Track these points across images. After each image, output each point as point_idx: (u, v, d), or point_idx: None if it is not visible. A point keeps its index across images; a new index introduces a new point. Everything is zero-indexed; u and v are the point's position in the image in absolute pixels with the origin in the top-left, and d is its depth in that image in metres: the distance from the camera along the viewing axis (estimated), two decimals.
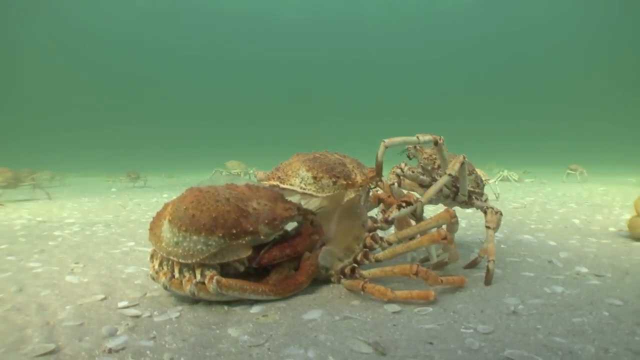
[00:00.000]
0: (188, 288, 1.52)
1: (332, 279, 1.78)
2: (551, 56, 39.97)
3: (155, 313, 1.50)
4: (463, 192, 2.11)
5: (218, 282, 1.49)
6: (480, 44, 42.11)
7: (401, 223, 2.07)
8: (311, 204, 1.82)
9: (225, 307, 1.53)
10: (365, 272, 1.72)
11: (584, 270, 1.98)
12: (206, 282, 1.50)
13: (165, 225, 1.58)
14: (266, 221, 1.60)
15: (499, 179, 8.92)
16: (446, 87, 43.90)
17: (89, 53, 40.09)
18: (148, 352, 1.19)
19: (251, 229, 1.56)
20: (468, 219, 3.66)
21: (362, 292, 1.59)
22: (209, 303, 1.57)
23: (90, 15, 38.33)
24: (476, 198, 2.19)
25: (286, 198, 1.77)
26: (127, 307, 1.56)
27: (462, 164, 1.91)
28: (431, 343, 1.20)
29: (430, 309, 1.48)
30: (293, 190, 1.78)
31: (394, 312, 1.45)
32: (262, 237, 1.60)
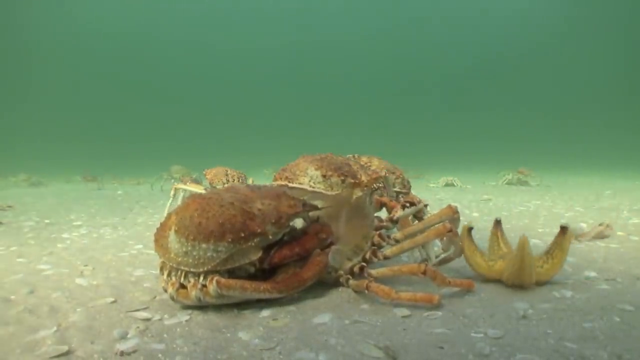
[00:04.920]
0: (193, 293, 1.52)
1: (341, 280, 1.78)
2: (555, 56, 39.83)
3: (165, 316, 1.51)
4: (390, 194, 2.47)
5: (218, 282, 1.50)
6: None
7: (403, 224, 2.09)
8: (318, 203, 1.84)
9: (235, 311, 1.54)
10: (373, 272, 1.73)
11: (592, 274, 1.97)
12: (207, 283, 1.51)
13: (172, 236, 1.58)
14: (273, 220, 1.61)
15: (504, 182, 8.88)
16: (447, 86, 43.72)
17: (93, 54, 40.38)
18: (160, 355, 1.20)
19: (259, 230, 1.56)
20: (475, 222, 3.65)
21: (366, 291, 1.60)
22: (219, 306, 1.58)
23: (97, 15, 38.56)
24: (403, 197, 2.51)
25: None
26: (138, 310, 1.58)
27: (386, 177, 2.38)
28: (442, 347, 1.20)
29: (439, 313, 1.48)
30: (302, 189, 1.81)
31: (403, 316, 1.45)
32: (270, 237, 1.61)
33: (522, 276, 1.70)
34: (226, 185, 3.61)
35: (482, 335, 1.28)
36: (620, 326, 1.33)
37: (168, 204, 3.84)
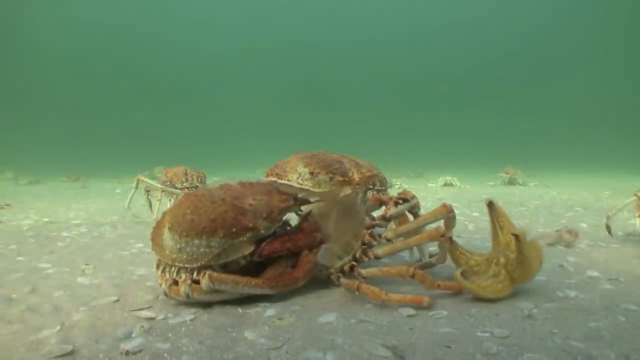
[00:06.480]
0: (182, 289, 1.53)
1: (332, 278, 1.77)
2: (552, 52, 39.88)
3: (169, 315, 1.50)
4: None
5: (210, 276, 1.51)
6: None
7: (401, 221, 2.09)
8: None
9: (240, 310, 1.54)
10: (363, 271, 1.72)
11: (595, 274, 1.98)
12: (200, 278, 1.53)
13: (166, 233, 1.61)
14: (264, 215, 1.63)
15: (502, 183, 8.89)
16: (445, 85, 43.73)
17: (90, 53, 40.09)
18: (165, 354, 1.19)
19: (250, 225, 1.59)
20: (475, 222, 3.65)
21: (356, 292, 1.59)
22: (223, 305, 1.57)
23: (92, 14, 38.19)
24: (382, 194, 2.47)
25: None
26: (141, 309, 1.57)
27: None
28: (449, 347, 1.20)
29: (445, 312, 1.47)
30: (290, 186, 1.81)
31: (409, 316, 1.45)
32: (262, 231, 1.64)
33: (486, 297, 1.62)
34: (185, 184, 3.75)
35: (488, 334, 1.28)
36: (626, 326, 1.33)
37: (149, 206, 4.02)
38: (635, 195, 2.69)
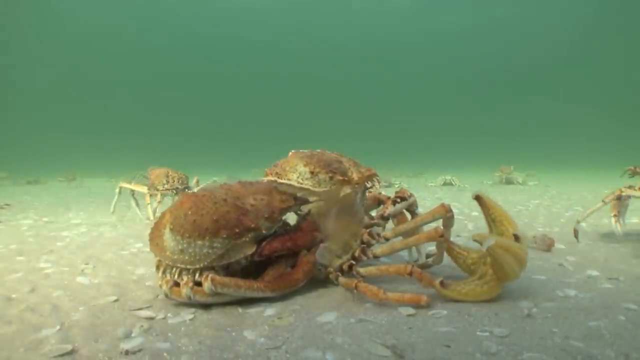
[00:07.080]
0: (184, 291, 1.53)
1: (331, 277, 1.77)
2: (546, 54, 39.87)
3: (169, 315, 1.50)
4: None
5: (212, 280, 1.50)
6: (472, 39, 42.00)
7: (400, 220, 2.08)
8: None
9: (239, 310, 1.54)
10: (362, 270, 1.72)
11: (595, 273, 1.98)
12: (202, 280, 1.53)
13: (167, 234, 1.60)
14: (266, 215, 1.64)
15: (500, 182, 8.89)
16: (444, 85, 43.72)
17: (89, 53, 40.01)
18: (165, 354, 1.19)
19: (252, 225, 1.59)
20: (475, 222, 3.65)
21: (355, 291, 1.59)
22: (223, 305, 1.57)
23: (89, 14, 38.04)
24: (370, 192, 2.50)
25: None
26: (141, 308, 1.56)
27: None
28: (448, 346, 1.20)
29: (444, 311, 1.47)
30: (290, 185, 1.81)
31: (408, 315, 1.45)
32: (264, 231, 1.64)
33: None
34: (166, 185, 3.78)
35: (487, 334, 1.28)
36: (626, 325, 1.33)
37: (136, 205, 4.14)
38: (603, 201, 2.70)
